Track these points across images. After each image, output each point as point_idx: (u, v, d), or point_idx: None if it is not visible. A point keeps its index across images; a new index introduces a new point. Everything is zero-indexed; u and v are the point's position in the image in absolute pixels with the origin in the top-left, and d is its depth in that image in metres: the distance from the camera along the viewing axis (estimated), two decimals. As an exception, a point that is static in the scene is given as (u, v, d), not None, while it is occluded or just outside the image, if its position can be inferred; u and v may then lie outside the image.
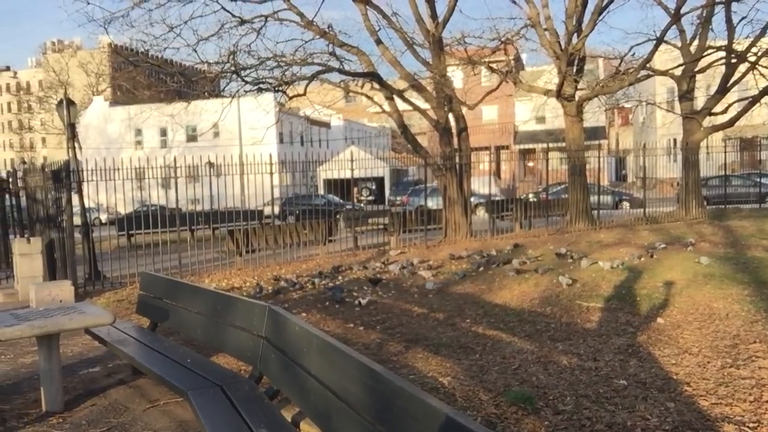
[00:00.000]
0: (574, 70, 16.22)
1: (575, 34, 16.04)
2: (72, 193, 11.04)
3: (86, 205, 12.04)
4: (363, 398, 2.91)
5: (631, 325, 6.65)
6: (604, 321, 6.92)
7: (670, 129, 31.47)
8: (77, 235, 11.54)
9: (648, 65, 16.99)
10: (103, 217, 25.00)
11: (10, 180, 13.36)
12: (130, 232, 17.38)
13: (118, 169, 11.59)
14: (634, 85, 18.89)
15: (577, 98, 16.65)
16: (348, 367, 3.10)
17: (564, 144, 18.06)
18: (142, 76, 44.14)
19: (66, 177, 10.87)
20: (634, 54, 17.47)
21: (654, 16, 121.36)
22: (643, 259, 10.15)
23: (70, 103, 12.09)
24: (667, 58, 22.35)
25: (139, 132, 45.13)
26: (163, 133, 44.80)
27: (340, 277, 10.67)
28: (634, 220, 17.29)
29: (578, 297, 8.09)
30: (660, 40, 16.08)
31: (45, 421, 4.72)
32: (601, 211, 17.74)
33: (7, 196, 13.56)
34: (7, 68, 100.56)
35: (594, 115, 28.80)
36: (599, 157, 19.04)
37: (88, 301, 9.48)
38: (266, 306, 4.32)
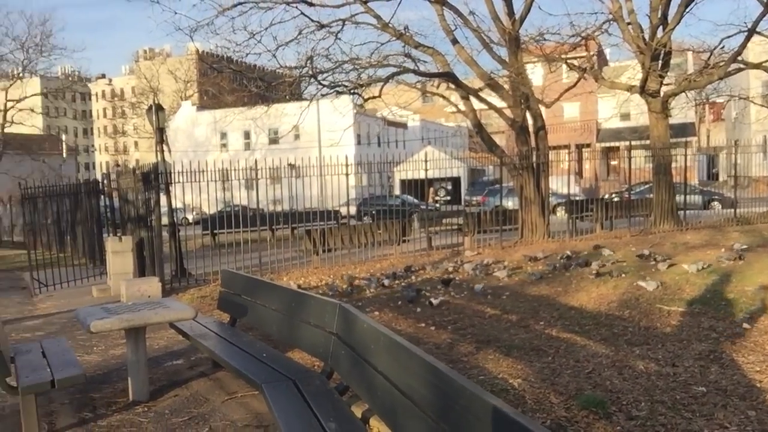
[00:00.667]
0: (660, 64, 15.61)
1: (660, 28, 15.43)
2: (160, 194, 11.64)
3: (174, 206, 12.64)
4: (427, 396, 2.95)
5: (715, 330, 6.37)
6: (685, 325, 6.65)
7: (766, 124, 29.70)
8: (165, 235, 12.15)
9: (739, 58, 16.11)
10: (190, 217, 26.15)
11: (104, 182, 14.20)
12: (215, 231, 18.09)
13: (204, 171, 12.14)
14: (725, 80, 17.97)
15: (662, 94, 16.02)
16: (413, 365, 3.15)
17: (649, 141, 17.41)
18: (225, 82, 45.81)
19: (155, 179, 11.46)
20: (724, 47, 16.60)
21: (746, 6, 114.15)
22: (731, 261, 9.66)
23: (159, 108, 12.73)
24: (761, 50, 21.10)
25: (224, 135, 46.84)
26: (247, 135, 46.32)
27: (413, 277, 10.73)
28: (724, 221, 16.45)
29: (659, 300, 7.81)
30: (752, 32, 15.22)
31: (131, 409, 5.02)
32: (688, 212, 17.00)
33: (101, 197, 14.42)
34: (103, 76, 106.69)
35: (682, 111, 27.60)
36: (686, 155, 18.21)
37: (173, 297, 9.98)
38: (337, 304, 4.43)
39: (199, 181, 12.06)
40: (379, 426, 4.00)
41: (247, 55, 14.11)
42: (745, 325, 6.39)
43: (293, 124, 20.55)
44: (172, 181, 11.95)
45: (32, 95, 37.07)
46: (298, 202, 14.64)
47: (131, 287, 9.17)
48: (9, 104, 34.19)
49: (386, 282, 10.16)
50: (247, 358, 5.00)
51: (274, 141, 43.33)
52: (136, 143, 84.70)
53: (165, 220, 12.15)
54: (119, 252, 11.10)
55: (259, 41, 13.72)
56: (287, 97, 17.55)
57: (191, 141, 47.08)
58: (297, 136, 39.10)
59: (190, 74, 59.58)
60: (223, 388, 5.44)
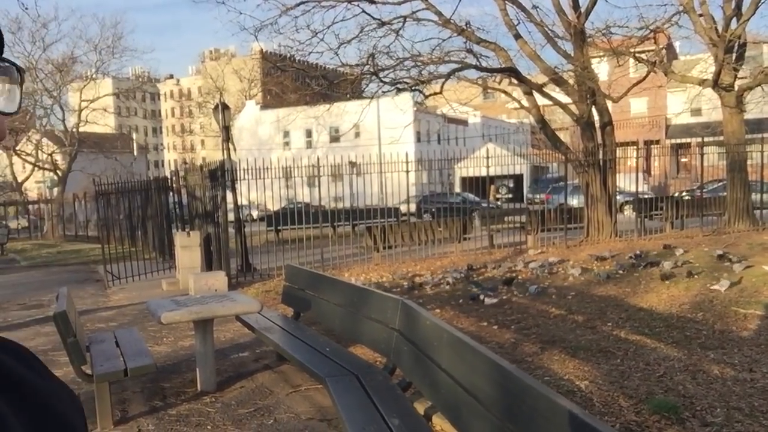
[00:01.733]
0: (733, 57, 14.92)
1: (734, 19, 14.75)
2: (227, 191, 11.93)
3: (239, 202, 12.94)
4: (492, 394, 2.91)
5: (797, 335, 6.04)
6: (763, 329, 6.34)
7: None
8: (231, 230, 12.46)
9: (823, 48, 15.24)
10: (255, 214, 26.71)
11: (173, 179, 14.66)
12: (278, 227, 18.43)
13: (268, 169, 12.38)
14: (807, 72, 17.01)
15: (736, 88, 15.31)
16: (477, 363, 3.11)
17: (722, 138, 16.67)
18: (288, 81, 46.53)
19: (221, 176, 11.75)
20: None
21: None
22: (813, 263, 9.14)
23: (225, 107, 13.05)
24: None
25: (286, 133, 47.64)
26: (308, 134, 46.97)
27: (474, 275, 10.62)
28: (805, 221, 15.59)
29: (735, 303, 7.47)
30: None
31: (199, 399, 5.16)
32: (765, 211, 16.20)
33: (170, 193, 14.90)
34: (171, 76, 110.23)
35: (757, 105, 26.30)
36: (762, 152, 17.35)
37: (239, 290, 10.20)
38: (399, 300, 4.43)
39: (264, 179, 12.31)
40: (442, 423, 3.98)
41: (309, 53, 14.29)
42: (830, 331, 6.04)
43: (354, 122, 20.71)
44: (238, 178, 12.22)
45: (105, 95, 38.62)
46: (359, 199, 14.73)
47: (199, 281, 9.42)
48: (83, 104, 35.73)
49: (448, 280, 10.10)
50: (310, 352, 5.06)
51: (335, 139, 43.76)
52: (202, 141, 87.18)
53: (231, 216, 12.45)
54: (187, 247, 11.44)
55: (321, 39, 13.92)
56: (348, 95, 17.69)
57: (255, 139, 48.11)
58: (357, 134, 39.37)
59: (253, 74, 60.82)
60: (287, 380, 5.53)
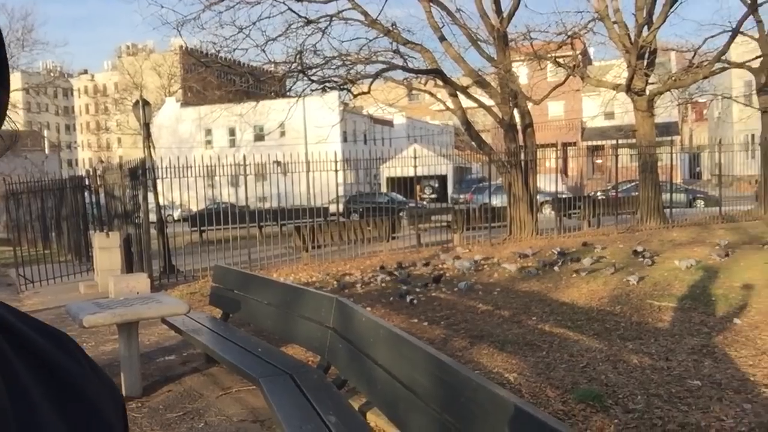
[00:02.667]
0: (645, 63, 15.74)
1: (646, 27, 15.56)
2: (148, 190, 11.54)
3: (160, 202, 12.53)
4: (430, 388, 2.95)
5: (706, 325, 6.43)
6: (677, 321, 6.71)
7: (748, 124, 30.02)
8: (152, 231, 12.05)
9: (723, 58, 16.32)
10: (176, 214, 25.95)
11: (90, 178, 14.05)
12: (202, 228, 17.98)
13: (191, 167, 12.04)
14: (709, 79, 18.16)
15: (647, 92, 16.16)
16: (416, 358, 3.14)
17: (634, 140, 17.55)
18: (212, 77, 45.42)
19: (142, 175, 11.35)
20: (708, 46, 16.81)
21: (729, 6, 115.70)
22: (718, 258, 9.77)
23: (146, 103, 12.61)
24: (744, 50, 21.31)
25: (208, 132, 46.51)
26: (232, 132, 46.03)
27: (403, 274, 10.72)
28: (709, 219, 16.63)
29: (650, 296, 7.87)
30: (736, 32, 15.43)
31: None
32: (674, 210, 17.17)
33: (87, 193, 14.26)
34: (85, 71, 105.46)
35: (666, 110, 27.81)
36: (671, 154, 18.38)
37: (162, 293, 9.88)
38: (334, 298, 4.41)
39: (187, 177, 11.96)
40: (377, 419, 4.00)
41: (234, 50, 14.04)
42: (736, 320, 6.46)
43: (279, 120, 20.44)
44: (159, 177, 11.84)
45: (14, 90, 36.53)
46: (286, 199, 14.57)
47: (119, 283, 9.04)
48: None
49: (377, 278, 10.15)
50: (242, 353, 4.97)
51: (259, 138, 43.06)
52: (119, 139, 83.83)
53: (152, 216, 12.04)
54: (106, 248, 10.98)
55: (247, 36, 13.63)
56: (273, 93, 17.49)
57: (175, 137, 46.71)
58: (283, 133, 38.83)
59: (173, 70, 59.07)
60: (217, 383, 5.40)
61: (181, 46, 44.40)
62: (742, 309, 6.90)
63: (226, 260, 12.03)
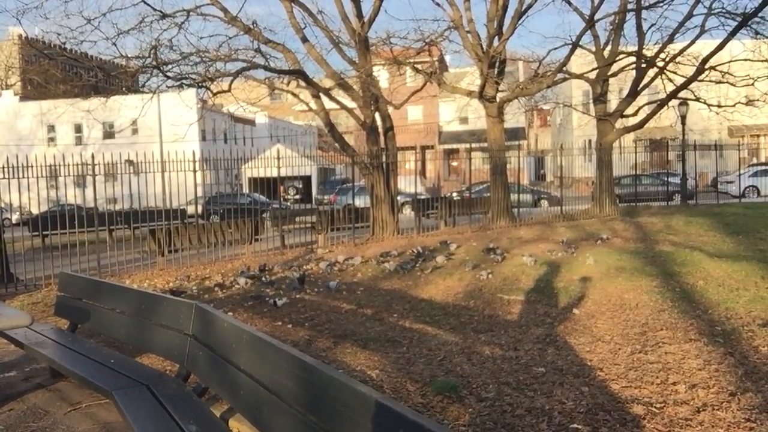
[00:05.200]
0: (496, 72, 16.73)
1: (496, 37, 16.56)
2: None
3: (-4, 204, 11.44)
4: (294, 390, 2.97)
5: (549, 316, 6.98)
6: (524, 313, 7.22)
7: (586, 130, 32.89)
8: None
9: (564, 69, 17.74)
10: (14, 217, 23.76)
11: None
12: (44, 232, 16.62)
13: (31, 167, 11.07)
14: (552, 88, 19.67)
15: (498, 100, 17.18)
16: (279, 360, 3.14)
17: (486, 144, 18.59)
18: (56, 70, 41.94)
19: (-26, 175, 10.30)
20: (551, 58, 18.21)
21: (570, 21, 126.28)
22: (560, 254, 10.62)
23: (-22, 96, 11.45)
24: (583, 62, 23.38)
25: (51, 128, 43.04)
26: (78, 129, 42.92)
27: (267, 276, 10.60)
28: (552, 218, 18.00)
29: (500, 290, 8.39)
30: (575, 45, 16.83)
31: (-43, 428, 4.51)
32: (521, 209, 18.38)
33: None
34: None
35: (514, 116, 29.79)
36: (519, 157, 19.71)
37: (0, 303, 9.03)
38: (193, 304, 4.29)
39: (27, 177, 11.00)
40: (239, 425, 3.94)
41: (82, 42, 13.11)
42: (575, 311, 7.07)
43: (132, 117, 19.38)
44: (-5, 177, 10.80)
45: None
46: (139, 200, 13.85)
47: (-54, 295, 8.18)
48: None
49: (239, 282, 9.95)
50: (92, 365, 4.68)
51: (109, 135, 40.52)
52: (-57, 135, 75.12)
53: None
54: (-71, 256, 9.83)
55: (96, 27, 12.78)
56: (124, 89, 16.54)
57: (13, 134, 42.74)
58: (135, 131, 36.88)
59: (11, 60, 53.93)
60: (64, 399, 5.04)
61: (21, 36, 40.65)
62: (581, 300, 7.56)
63: (72, 267, 11.23)
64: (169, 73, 13.10)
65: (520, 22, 16.25)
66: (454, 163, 46.95)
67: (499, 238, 13.45)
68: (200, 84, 13.53)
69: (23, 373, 5.81)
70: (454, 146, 44.55)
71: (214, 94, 14.37)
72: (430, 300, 8.20)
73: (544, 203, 24.76)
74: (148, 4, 13.29)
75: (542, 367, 5.17)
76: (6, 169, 10.80)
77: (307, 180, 37.49)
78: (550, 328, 6.48)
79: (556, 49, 25.98)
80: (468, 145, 20.29)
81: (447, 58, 38.80)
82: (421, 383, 4.87)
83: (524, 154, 32.04)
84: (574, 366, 5.18)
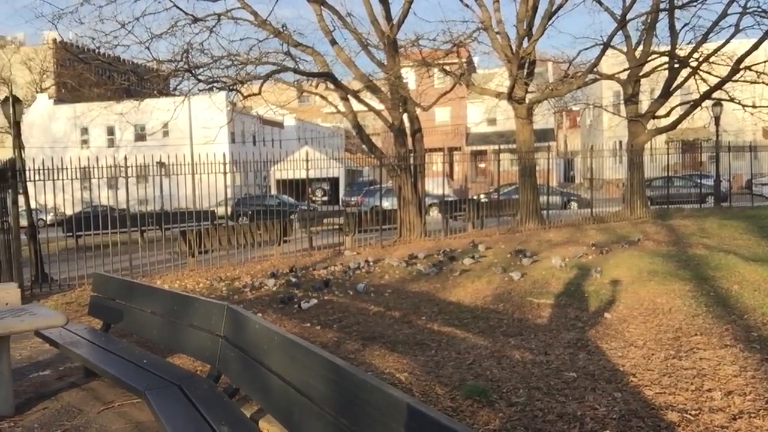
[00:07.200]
0: (525, 73, 16.59)
1: (526, 38, 16.41)
2: (18, 193, 10.72)
3: (32, 206, 11.70)
4: (325, 393, 2.97)
5: (580, 320, 6.89)
6: (554, 316, 7.14)
7: (616, 131, 32.45)
8: (23, 237, 11.20)
9: (595, 69, 17.51)
10: (47, 218, 24.26)
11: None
12: (78, 233, 16.93)
13: (66, 169, 11.30)
14: (582, 89, 19.46)
15: (527, 101, 17.04)
16: (310, 363, 3.15)
17: (515, 146, 18.44)
18: (90, 74, 42.75)
19: (12, 176, 10.54)
20: (581, 58, 18.00)
21: (601, 21, 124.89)
22: (590, 257, 10.48)
23: (16, 101, 11.73)
24: (614, 62, 23.05)
25: (85, 131, 43.88)
26: (111, 132, 43.70)
27: (295, 278, 10.66)
28: (582, 220, 17.79)
29: (529, 294, 8.31)
30: (607, 45, 16.60)
31: (-5, 425, 4.61)
32: (550, 211, 18.19)
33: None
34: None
35: (543, 117, 29.47)
36: (548, 159, 19.52)
37: (35, 303, 9.22)
38: (225, 305, 4.33)
39: (62, 179, 11.23)
40: (269, 427, 3.95)
41: (116, 46, 13.33)
42: (606, 315, 6.97)
43: (163, 120, 19.67)
44: (32, 179, 11.04)
45: None
46: (170, 202, 14.04)
47: (-15, 294, 8.36)
48: None
49: (268, 283, 10.02)
50: (126, 365, 4.75)
51: (141, 138, 41.17)
52: (-19, 138, 77.14)
53: (22, 221, 11.18)
54: (-31, 256, 10.09)
55: (129, 32, 13.00)
56: (155, 92, 16.80)
57: (48, 136, 43.66)
58: (166, 133, 37.44)
59: (46, 65, 55.17)
60: (98, 398, 5.13)
61: (56, 40, 41.56)
62: (612, 304, 7.44)
63: (105, 267, 11.42)
64: (200, 77, 13.27)
65: (550, 22, 16.09)
66: (482, 165, 46.70)
67: (528, 241, 13.33)
68: (231, 87, 13.68)
69: (57, 372, 5.93)
70: (482, 148, 44.31)
71: (245, 97, 14.51)
72: (458, 303, 8.16)
73: (574, 205, 24.47)
74: (180, 9, 13.53)
75: (573, 372, 5.10)
76: (41, 171, 11.04)
77: (334, 182, 37.64)
78: (581, 332, 6.40)
79: (586, 49, 25.67)
80: (496, 147, 20.17)
81: (475, 59, 38.67)
82: (450, 387, 4.85)
83: (553, 156, 31.73)
84: (606, 371, 5.11)
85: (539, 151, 20.35)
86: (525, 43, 16.29)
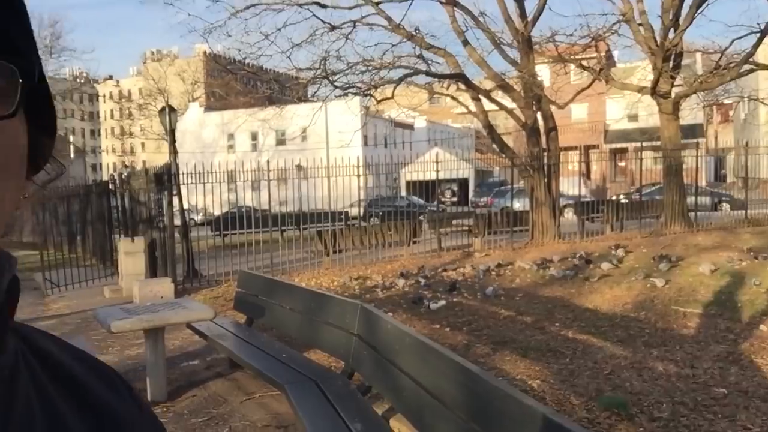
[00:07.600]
0: (671, 65, 15.55)
1: (672, 29, 15.38)
2: (173, 195, 11.69)
3: (185, 207, 12.69)
4: (457, 396, 2.96)
5: (732, 332, 6.35)
6: (702, 327, 6.63)
7: (775, 126, 29.58)
8: (176, 235, 12.18)
9: (751, 59, 16.06)
10: (198, 218, 26.22)
11: (115, 183, 14.25)
12: (224, 232, 18.13)
13: (214, 173, 12.18)
14: (736, 81, 17.92)
15: (673, 95, 15.97)
16: (441, 366, 3.15)
17: (658, 143, 17.35)
18: (236, 83, 45.77)
19: (168, 180, 11.50)
20: (735, 48, 16.57)
21: (757, 7, 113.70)
22: (744, 263, 9.61)
23: (172, 110, 12.78)
24: (772, 50, 21.00)
25: (231, 136, 46.94)
26: (254, 137, 46.40)
27: (424, 278, 10.72)
28: (735, 223, 16.38)
29: (674, 302, 7.78)
30: (764, 33, 15.15)
31: (152, 409, 5.04)
32: (698, 213, 16.94)
33: (112, 198, 14.46)
34: (110, 77, 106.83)
35: (691, 112, 27.50)
36: (696, 156, 18.15)
37: (186, 297, 9.99)
38: (359, 304, 4.44)
39: (212, 182, 12.12)
40: (401, 426, 3.99)
41: (259, 56, 14.16)
42: (762, 327, 6.37)
43: (302, 125, 20.56)
44: (185, 182, 11.99)
45: (41, 97, 37.06)
46: (307, 203, 14.66)
47: (144, 288, 9.18)
48: (18, 106, 34.21)
49: (398, 283, 10.16)
50: (267, 359, 5.01)
51: (281, 142, 43.40)
52: (143, 144, 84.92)
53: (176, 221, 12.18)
54: (131, 253, 11.13)
55: (272, 42, 13.77)
56: (295, 99, 17.62)
57: (198, 142, 47.22)
58: (304, 138, 39.14)
59: (197, 75, 59.75)
60: (241, 388, 5.45)
61: (206, 52, 44.85)
62: (770, 316, 6.79)
63: (248, 264, 12.13)
64: (336, 83, 13.75)
65: (699, 11, 14.95)
66: (622, 164, 44.41)
67: (672, 245, 12.48)
68: (365, 92, 14.03)
69: (205, 363, 6.38)
70: (622, 145, 42.13)
71: (378, 102, 14.83)
72: (595, 310, 7.81)
73: (725, 207, 22.59)
74: (319, 18, 14.05)
75: (723, 387, 4.71)
76: (192, 175, 11.97)
77: (464, 182, 37.46)
78: (732, 345, 5.89)
79: (740, 38, 23.51)
80: (638, 144, 19.07)
81: (615, 53, 36.86)
82: (586, 397, 4.65)
83: (702, 153, 29.53)
84: (761, 388, 4.67)
85: (686, 149, 18.99)
86: (671, 34, 15.27)
